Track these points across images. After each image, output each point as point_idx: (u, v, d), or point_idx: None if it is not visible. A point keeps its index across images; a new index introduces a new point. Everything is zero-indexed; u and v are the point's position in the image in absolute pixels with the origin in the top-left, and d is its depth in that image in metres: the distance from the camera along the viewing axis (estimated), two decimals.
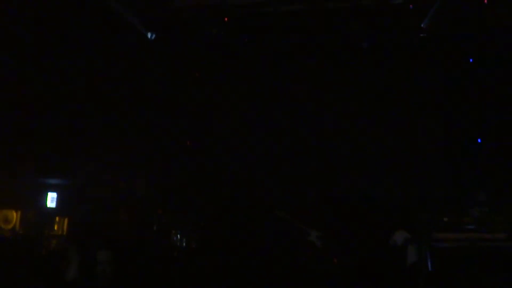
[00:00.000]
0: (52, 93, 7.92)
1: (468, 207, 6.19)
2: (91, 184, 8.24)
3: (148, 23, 7.00)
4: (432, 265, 5.65)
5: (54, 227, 8.20)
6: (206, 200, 7.99)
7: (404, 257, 5.94)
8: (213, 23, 7.67)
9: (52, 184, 8.35)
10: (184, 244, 7.13)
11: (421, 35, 7.55)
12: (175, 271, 6.39)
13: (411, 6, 7.21)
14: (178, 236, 7.20)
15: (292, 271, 6.18)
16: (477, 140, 7.71)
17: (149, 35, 6.84)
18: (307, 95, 8.28)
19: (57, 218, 8.36)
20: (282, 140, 8.26)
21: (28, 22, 6.86)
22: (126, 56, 7.86)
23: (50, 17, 6.90)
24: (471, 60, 7.88)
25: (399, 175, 7.71)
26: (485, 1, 6.98)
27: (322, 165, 7.90)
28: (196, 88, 8.63)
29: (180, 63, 8.28)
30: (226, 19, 7.70)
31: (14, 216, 8.19)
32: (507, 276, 5.49)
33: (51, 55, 7.55)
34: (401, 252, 5.95)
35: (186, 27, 7.63)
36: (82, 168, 8.20)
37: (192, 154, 8.64)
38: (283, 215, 6.56)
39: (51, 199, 8.25)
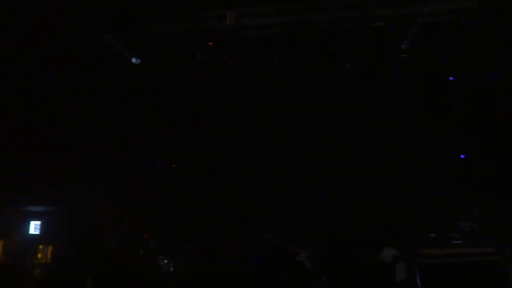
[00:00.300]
0: (35, 120, 7.85)
1: (455, 222, 6.23)
2: (74, 211, 8.12)
3: (133, 48, 7.03)
4: (421, 281, 5.65)
5: (37, 255, 8.02)
6: (194, 224, 7.92)
7: (393, 274, 5.93)
8: (198, 47, 7.74)
9: (35, 212, 8.21)
10: (171, 268, 7.02)
11: (402, 55, 7.73)
12: None
13: (391, 28, 7.39)
14: (165, 261, 7.09)
15: None
16: (461, 156, 7.85)
17: (133, 60, 6.85)
18: (292, 116, 8.36)
19: (40, 246, 8.19)
20: (268, 163, 8.29)
21: (8, 44, 6.84)
22: (110, 82, 7.86)
23: (34, 41, 6.89)
24: (451, 79, 8.08)
25: (385, 194, 7.77)
26: (462, 22, 7.20)
27: (309, 186, 7.93)
28: (181, 112, 8.65)
29: (165, 87, 8.31)
30: (210, 43, 7.79)
31: None
32: None
33: (31, 83, 7.51)
34: (389, 269, 5.95)
35: (171, 52, 7.68)
36: (65, 196, 8.08)
37: (178, 177, 8.60)
38: (272, 237, 6.53)
39: (34, 226, 8.10)
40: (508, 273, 5.53)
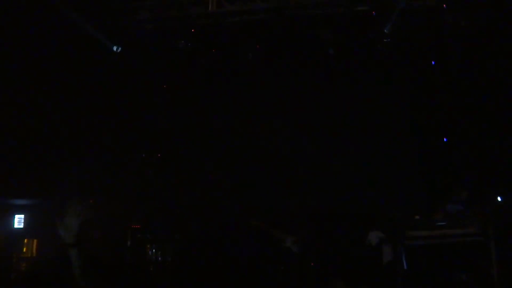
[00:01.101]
0: (19, 110, 7.71)
1: (442, 205, 6.32)
2: (60, 204, 8.03)
3: (113, 36, 6.92)
4: (407, 262, 5.74)
5: (23, 249, 7.93)
6: (181, 213, 7.91)
7: (379, 256, 6.01)
8: (180, 34, 7.66)
9: (19, 205, 8.10)
10: (159, 258, 7.01)
11: (385, 40, 7.75)
12: (151, 285, 6.26)
13: (374, 12, 7.39)
14: (153, 250, 7.07)
15: (270, 278, 6.15)
16: (444, 139, 7.94)
17: (114, 48, 6.75)
18: (274, 102, 8.35)
19: (25, 240, 8.09)
20: (251, 150, 8.28)
21: None
22: (91, 71, 7.74)
23: (12, 30, 6.75)
24: (433, 63, 8.13)
25: (371, 176, 7.83)
26: (444, 5, 7.23)
27: (293, 169, 7.96)
28: (164, 100, 8.58)
29: (147, 75, 8.22)
30: (193, 30, 7.71)
31: None
32: (478, 270, 5.63)
33: (12, 71, 7.37)
34: (376, 252, 6.03)
35: (152, 39, 7.59)
36: (49, 188, 7.99)
37: (164, 167, 8.56)
38: (258, 224, 6.55)
39: (18, 220, 8.00)
40: (490, 253, 5.64)
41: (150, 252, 7.07)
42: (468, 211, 5.93)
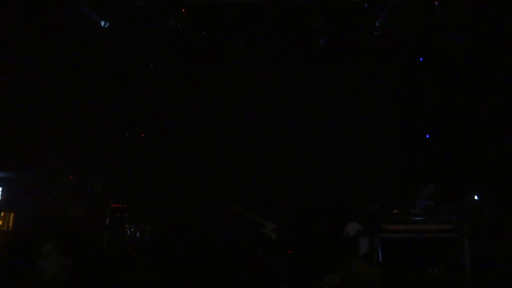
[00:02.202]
0: (1, 85, 7.54)
1: (416, 199, 6.43)
2: (38, 178, 7.93)
3: (101, 11, 6.78)
4: (383, 254, 5.84)
5: None
6: (161, 193, 7.89)
7: (356, 247, 6.12)
8: (170, 13, 7.54)
9: None
10: (137, 238, 7.00)
11: (375, 33, 7.77)
12: (128, 265, 6.27)
13: (366, 5, 7.39)
14: (132, 230, 7.06)
15: (248, 264, 6.21)
16: (426, 136, 8.04)
17: (102, 23, 6.61)
18: (261, 88, 8.33)
19: (2, 213, 7.97)
20: (237, 135, 8.28)
21: None
22: (78, 45, 7.59)
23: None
24: (421, 59, 8.19)
25: (350, 169, 7.91)
26: (436, 2, 7.26)
27: (276, 158, 7.99)
28: (151, 80, 8.49)
29: (135, 53, 8.10)
30: (183, 10, 7.60)
31: None
32: (452, 264, 5.77)
33: None
34: (353, 243, 6.13)
35: (142, 17, 7.46)
36: (29, 162, 7.86)
37: (146, 147, 8.50)
38: (238, 209, 6.57)
39: None
40: (464, 250, 5.79)
41: (128, 231, 7.04)
42: (444, 207, 6.05)
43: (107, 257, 6.53)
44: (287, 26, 7.74)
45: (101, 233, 6.98)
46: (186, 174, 8.21)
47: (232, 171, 8.08)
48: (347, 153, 8.03)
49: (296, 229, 6.55)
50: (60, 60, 7.65)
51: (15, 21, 6.99)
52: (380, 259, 5.80)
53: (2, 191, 7.87)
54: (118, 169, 8.12)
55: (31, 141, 7.77)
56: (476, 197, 6.72)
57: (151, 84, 8.50)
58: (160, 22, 7.52)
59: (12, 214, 7.90)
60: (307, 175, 7.95)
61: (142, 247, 6.98)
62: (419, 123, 8.15)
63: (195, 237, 7.10)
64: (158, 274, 6.17)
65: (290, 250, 6.28)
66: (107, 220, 7.09)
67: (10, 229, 7.86)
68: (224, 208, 6.84)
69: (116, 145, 8.22)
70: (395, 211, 6.10)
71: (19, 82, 7.63)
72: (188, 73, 8.44)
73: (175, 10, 7.47)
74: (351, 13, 7.51)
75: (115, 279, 5.87)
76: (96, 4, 6.62)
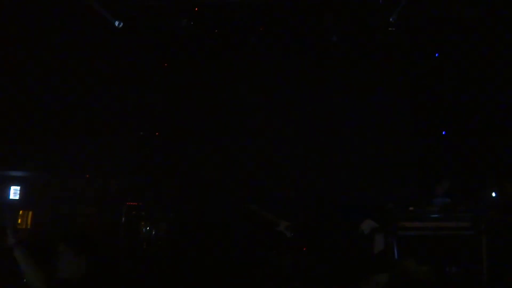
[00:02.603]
0: (18, 85, 7.67)
1: (433, 197, 6.37)
2: (55, 177, 8.05)
3: (115, 11, 6.83)
4: (398, 252, 5.80)
5: (17, 220, 7.97)
6: (176, 192, 7.94)
7: (371, 245, 6.08)
8: (183, 13, 7.57)
9: (15, 177, 8.11)
10: (153, 235, 7.07)
11: (389, 29, 7.68)
12: (144, 262, 6.33)
13: (380, 0, 7.31)
14: (147, 227, 7.12)
15: (262, 262, 6.21)
16: (442, 132, 7.95)
17: (116, 23, 6.66)
18: (274, 86, 8.31)
19: (20, 212, 8.12)
20: (251, 134, 8.27)
21: None
22: (93, 45, 7.67)
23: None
24: (436, 55, 8.09)
25: (365, 167, 7.85)
26: None
27: (288, 155, 7.97)
28: (165, 79, 8.53)
29: (149, 52, 8.15)
30: (196, 9, 7.62)
31: None
32: (469, 263, 5.70)
33: (12, 44, 7.30)
34: (368, 241, 6.09)
35: (155, 17, 7.50)
36: (46, 161, 7.99)
37: (161, 146, 8.56)
38: (252, 208, 6.58)
39: (14, 192, 8.02)
40: (481, 248, 5.71)
41: (144, 229, 7.12)
42: (461, 205, 5.97)
43: (123, 255, 6.60)
44: (300, 24, 7.70)
45: (117, 231, 7.06)
46: (200, 173, 8.23)
47: (246, 170, 8.09)
48: (361, 150, 7.97)
49: (310, 226, 6.54)
50: (75, 60, 7.75)
51: (30, 21, 7.10)
52: (396, 257, 5.76)
53: (20, 190, 8.03)
54: (133, 168, 8.20)
55: (47, 141, 7.90)
56: (493, 194, 6.63)
57: (165, 83, 8.54)
58: (173, 21, 7.54)
59: (30, 213, 8.06)
60: (322, 172, 7.92)
61: (157, 245, 7.05)
62: (435, 119, 8.06)
63: (210, 235, 7.13)
64: (173, 271, 6.22)
65: (305, 248, 6.27)
66: (123, 218, 7.17)
67: (29, 227, 8.02)
68: (238, 207, 6.85)
69: (130, 144, 8.29)
70: (410, 208, 6.05)
71: (37, 82, 7.75)
72: (202, 72, 8.46)
73: (188, 9, 7.48)
74: (364, 9, 7.43)
75: (131, 277, 5.92)
76: (110, 4, 6.67)
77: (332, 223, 6.76)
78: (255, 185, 7.75)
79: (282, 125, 8.19)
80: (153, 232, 7.06)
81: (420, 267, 3.31)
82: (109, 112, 8.17)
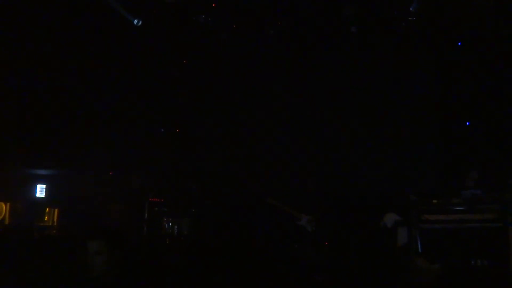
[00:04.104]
0: (41, 83, 7.82)
1: (457, 189, 6.24)
2: (80, 175, 8.19)
3: (134, 9, 6.90)
4: (422, 245, 5.71)
5: (44, 218, 8.15)
6: (198, 187, 7.98)
7: (394, 239, 6.00)
8: (201, 8, 7.59)
9: (41, 175, 8.28)
10: (175, 231, 7.14)
11: (410, 18, 7.54)
12: (167, 258, 6.39)
13: None
14: (170, 223, 7.20)
15: (284, 256, 6.21)
16: (466, 123, 7.78)
17: (135, 22, 6.72)
18: (296, 81, 8.26)
19: (47, 209, 8.30)
20: (273, 127, 8.25)
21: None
22: (113, 44, 7.76)
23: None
24: (459, 44, 7.91)
25: (388, 159, 7.75)
26: None
27: (309, 148, 7.92)
28: (184, 76, 8.57)
29: (168, 50, 8.20)
30: (214, 4, 7.63)
31: (4, 208, 8.13)
32: (494, 256, 5.58)
33: (33, 44, 7.44)
34: (391, 234, 6.02)
35: (173, 14, 7.54)
36: (71, 159, 8.14)
37: (182, 143, 8.61)
38: (274, 202, 6.57)
39: (40, 189, 8.19)
40: (508, 240, 5.57)
41: (166, 225, 7.19)
42: (487, 196, 5.83)
43: (147, 250, 6.69)
44: (318, 16, 7.63)
45: (141, 227, 7.15)
46: (221, 168, 8.26)
47: (267, 163, 8.08)
48: (385, 142, 7.87)
49: (332, 220, 6.50)
50: (96, 58, 7.85)
51: (51, 22, 7.22)
52: (420, 250, 5.67)
53: (46, 188, 8.20)
54: (155, 165, 8.28)
55: (72, 139, 8.04)
56: None
57: (185, 80, 8.58)
58: (191, 17, 7.57)
59: (56, 210, 8.23)
60: (344, 165, 7.85)
61: (180, 240, 7.11)
62: (459, 109, 7.89)
63: (232, 229, 7.16)
64: (196, 266, 6.26)
65: (327, 242, 6.24)
66: (146, 214, 7.26)
67: (55, 224, 8.20)
68: (259, 201, 6.86)
69: (152, 141, 8.38)
70: (434, 201, 5.94)
71: (60, 82, 7.89)
72: (220, 67, 8.46)
73: (206, 5, 7.49)
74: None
75: (155, 272, 6.00)
76: (128, 3, 6.73)
77: (354, 217, 6.71)
78: (277, 179, 7.75)
79: (302, 118, 8.15)
80: (176, 228, 7.13)
81: (432, 265, 3.26)
82: (130, 111, 8.26)
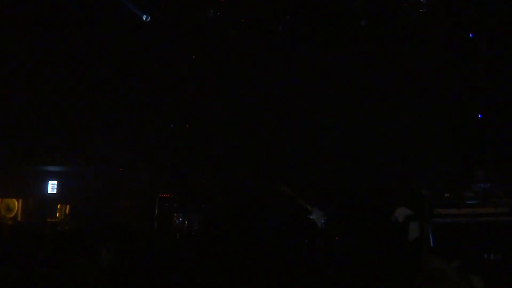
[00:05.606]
0: (51, 80, 7.87)
1: (470, 182, 6.16)
2: (91, 171, 8.25)
3: (143, 5, 6.90)
4: (434, 239, 5.65)
5: (55, 214, 8.23)
6: (208, 183, 7.99)
7: (405, 233, 5.94)
8: (209, 4, 7.57)
9: (52, 172, 8.36)
10: (186, 226, 7.16)
11: (421, 10, 7.45)
12: (178, 253, 6.42)
13: None
14: (180, 219, 7.21)
15: (294, 250, 6.20)
16: (478, 116, 7.67)
17: (144, 17, 6.73)
18: (305, 74, 8.21)
19: (58, 205, 8.38)
20: (284, 122, 8.22)
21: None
22: (122, 40, 7.78)
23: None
24: (471, 35, 7.79)
25: (399, 153, 7.68)
26: None
27: (323, 142, 7.88)
28: (193, 71, 8.56)
29: (177, 45, 8.20)
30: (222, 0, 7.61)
31: (16, 204, 8.23)
32: (508, 250, 5.50)
33: (44, 41, 7.49)
34: (402, 229, 5.96)
35: (181, 9, 7.53)
36: (83, 156, 8.20)
37: (192, 138, 8.62)
38: (287, 190, 6.52)
39: (52, 186, 8.27)
40: None
41: (177, 221, 7.21)
42: (499, 190, 5.75)
43: (157, 245, 6.72)
44: (328, 10, 7.57)
45: (151, 222, 7.18)
46: (232, 163, 8.25)
47: (280, 158, 8.04)
48: (396, 136, 7.80)
49: (344, 215, 6.46)
50: (107, 55, 7.88)
51: (62, 20, 7.25)
52: (432, 245, 5.61)
53: (57, 185, 8.28)
54: (165, 161, 8.30)
55: (83, 137, 8.10)
56: None
57: (194, 75, 8.58)
58: (199, 13, 7.55)
59: (67, 206, 8.31)
60: (356, 160, 7.79)
61: (190, 235, 7.13)
62: (472, 103, 7.78)
63: (242, 225, 7.15)
64: (206, 261, 6.28)
65: (337, 237, 6.21)
66: (156, 210, 7.28)
67: (67, 220, 8.28)
68: (272, 190, 6.82)
69: (161, 137, 8.39)
70: (446, 194, 5.87)
71: (71, 80, 7.95)
72: (230, 63, 8.44)
73: (214, 0, 7.48)
74: None
75: (165, 267, 6.02)
76: None
77: (365, 212, 6.66)
78: (289, 172, 7.71)
79: (314, 111, 8.10)
80: (186, 223, 7.15)
81: (448, 264, 3.19)
82: (140, 107, 8.29)
